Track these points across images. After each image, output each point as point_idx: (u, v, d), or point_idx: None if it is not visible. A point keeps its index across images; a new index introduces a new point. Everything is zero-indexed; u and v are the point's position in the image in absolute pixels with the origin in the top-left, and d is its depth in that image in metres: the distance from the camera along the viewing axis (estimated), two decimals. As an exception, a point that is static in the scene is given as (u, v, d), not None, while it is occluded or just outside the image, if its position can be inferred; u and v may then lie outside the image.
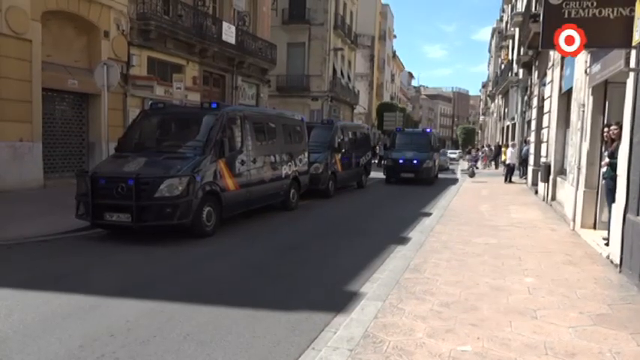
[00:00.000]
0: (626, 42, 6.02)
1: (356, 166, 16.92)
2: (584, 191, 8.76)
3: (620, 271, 6.01)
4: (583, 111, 8.98)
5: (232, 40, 20.97)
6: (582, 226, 8.70)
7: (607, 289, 5.38)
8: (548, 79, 14.04)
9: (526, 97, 22.97)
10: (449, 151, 43.21)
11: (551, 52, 12.66)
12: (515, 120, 27.68)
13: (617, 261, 6.16)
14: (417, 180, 18.93)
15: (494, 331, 4.08)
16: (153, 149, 8.76)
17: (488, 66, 67.22)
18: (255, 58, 23.67)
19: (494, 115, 47.80)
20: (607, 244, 7.00)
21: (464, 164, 32.99)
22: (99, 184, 7.71)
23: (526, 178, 19.75)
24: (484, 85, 74.31)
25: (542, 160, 14.75)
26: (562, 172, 11.83)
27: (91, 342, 3.98)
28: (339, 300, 5.16)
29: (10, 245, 7.16)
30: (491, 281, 5.53)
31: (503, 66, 37.65)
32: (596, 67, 8.01)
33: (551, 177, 12.72)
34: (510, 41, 34.17)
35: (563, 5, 6.32)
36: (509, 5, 37.51)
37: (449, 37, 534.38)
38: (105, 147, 10.99)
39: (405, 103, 76.16)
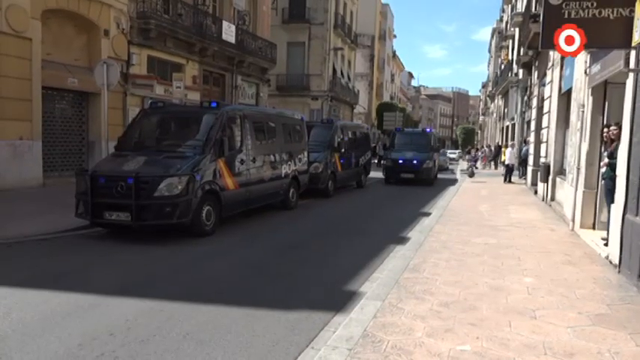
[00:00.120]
0: (626, 42, 6.04)
1: (355, 165, 16.91)
2: (584, 191, 8.76)
3: (619, 272, 6.02)
4: (582, 111, 8.99)
5: (232, 40, 20.97)
6: (581, 227, 8.71)
7: (606, 289, 5.39)
8: (547, 79, 14.04)
9: (526, 98, 22.97)
10: (448, 151, 43.26)
11: (551, 53, 12.67)
12: (515, 120, 27.70)
13: (616, 261, 6.18)
14: (417, 181, 18.80)
15: (493, 330, 4.09)
16: (152, 148, 8.77)
17: (488, 66, 67.22)
18: (255, 58, 23.66)
19: (494, 115, 47.78)
20: (606, 245, 7.00)
21: (463, 164, 32.98)
22: (98, 183, 7.71)
23: (525, 179, 19.75)
24: (484, 85, 74.25)
25: (542, 160, 14.76)
26: (561, 172, 11.84)
27: (90, 341, 3.99)
28: (339, 299, 5.16)
29: (9, 244, 7.16)
30: (491, 281, 5.54)
31: (503, 66, 37.64)
32: (596, 68, 8.02)
33: (550, 177, 12.73)
34: (510, 41, 34.18)
35: (563, 5, 6.33)
36: (509, 5, 37.52)
37: (449, 37, 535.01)
38: (104, 146, 10.97)
39: (404, 103, 76.16)
